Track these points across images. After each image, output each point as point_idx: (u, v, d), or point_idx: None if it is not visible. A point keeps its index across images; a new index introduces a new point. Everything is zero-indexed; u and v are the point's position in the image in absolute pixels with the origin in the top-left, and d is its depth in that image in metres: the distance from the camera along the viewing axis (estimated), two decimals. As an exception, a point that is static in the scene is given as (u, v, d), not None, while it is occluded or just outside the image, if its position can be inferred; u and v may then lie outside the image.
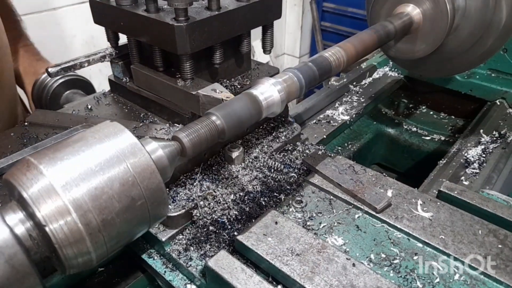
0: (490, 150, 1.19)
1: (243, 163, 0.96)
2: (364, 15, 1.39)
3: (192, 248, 0.84)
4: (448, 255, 0.79)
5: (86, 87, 1.54)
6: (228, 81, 1.18)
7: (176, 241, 0.85)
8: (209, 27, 0.99)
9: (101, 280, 0.88)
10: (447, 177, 1.07)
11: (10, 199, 0.60)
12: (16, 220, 0.57)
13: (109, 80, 1.31)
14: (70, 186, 0.56)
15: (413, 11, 1.17)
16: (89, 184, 0.57)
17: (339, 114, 1.38)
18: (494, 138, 1.24)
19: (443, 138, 1.54)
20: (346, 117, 1.37)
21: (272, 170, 0.96)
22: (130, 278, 0.89)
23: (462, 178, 1.09)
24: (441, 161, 1.19)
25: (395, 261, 0.79)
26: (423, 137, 1.57)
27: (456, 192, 0.92)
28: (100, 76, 2.18)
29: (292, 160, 1.01)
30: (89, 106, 1.27)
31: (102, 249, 0.60)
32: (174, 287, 0.82)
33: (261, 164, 0.97)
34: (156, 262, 0.86)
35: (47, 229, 0.55)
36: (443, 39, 1.16)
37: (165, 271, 0.84)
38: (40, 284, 0.56)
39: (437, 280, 0.75)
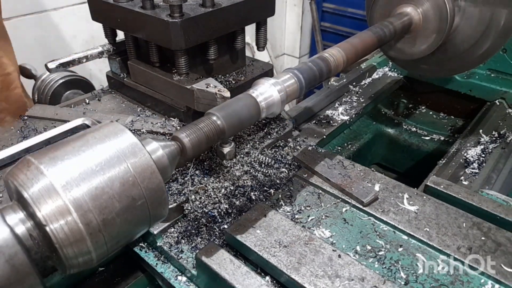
0: (490, 150, 1.19)
1: (234, 159, 0.97)
2: (364, 15, 1.39)
3: (183, 241, 0.85)
4: (432, 247, 0.80)
5: (86, 87, 1.55)
6: (223, 77, 1.20)
7: (168, 234, 0.87)
8: (203, 23, 1.01)
9: (101, 280, 0.88)
10: (446, 177, 1.07)
11: (11, 199, 0.60)
12: (16, 219, 0.57)
13: (107, 75, 1.34)
14: (71, 186, 0.56)
15: (412, 11, 1.18)
16: (89, 184, 0.57)
17: (338, 114, 1.38)
18: (494, 138, 1.24)
19: (442, 138, 1.54)
20: (346, 117, 1.37)
21: (263, 165, 0.97)
22: (130, 278, 0.89)
23: (462, 178, 1.09)
24: (440, 161, 1.18)
25: (380, 253, 0.81)
26: (422, 137, 1.57)
27: (442, 186, 0.94)
28: (100, 76, 2.18)
29: (283, 155, 1.03)
30: (87, 101, 1.30)
31: (103, 249, 0.60)
32: (166, 279, 0.83)
33: (252, 160, 0.98)
34: (148, 255, 0.87)
35: (47, 228, 0.55)
36: (442, 39, 1.16)
37: (156, 263, 0.86)
38: (40, 283, 0.56)
39: (421, 271, 0.77)
